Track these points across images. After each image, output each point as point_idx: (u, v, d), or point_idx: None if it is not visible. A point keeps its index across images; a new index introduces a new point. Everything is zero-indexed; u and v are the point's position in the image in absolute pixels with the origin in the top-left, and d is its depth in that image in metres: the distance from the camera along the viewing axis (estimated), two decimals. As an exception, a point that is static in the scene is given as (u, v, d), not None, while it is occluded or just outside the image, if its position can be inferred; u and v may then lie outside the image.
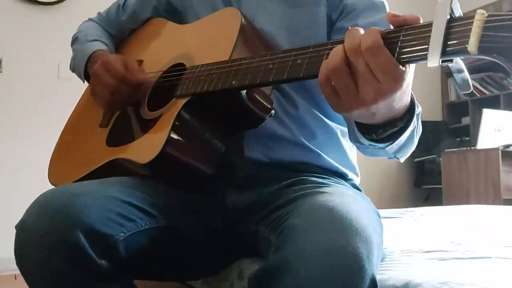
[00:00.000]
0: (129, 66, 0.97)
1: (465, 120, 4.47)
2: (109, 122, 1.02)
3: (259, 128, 0.88)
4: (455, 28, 0.56)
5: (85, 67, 1.11)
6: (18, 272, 0.73)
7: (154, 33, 1.14)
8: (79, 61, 1.13)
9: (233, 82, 0.79)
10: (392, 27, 0.62)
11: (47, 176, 1.05)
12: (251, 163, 0.92)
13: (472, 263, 0.85)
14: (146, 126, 0.90)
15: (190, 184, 0.90)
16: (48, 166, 1.08)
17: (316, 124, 0.97)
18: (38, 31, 3.02)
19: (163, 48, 1.08)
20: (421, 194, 4.47)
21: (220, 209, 0.92)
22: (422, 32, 0.59)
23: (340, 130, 1.01)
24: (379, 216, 0.85)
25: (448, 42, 0.56)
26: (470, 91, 0.62)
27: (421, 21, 0.61)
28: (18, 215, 0.75)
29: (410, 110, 0.70)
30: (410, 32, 0.60)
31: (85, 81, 1.13)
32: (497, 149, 3.19)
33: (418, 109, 0.78)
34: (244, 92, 0.83)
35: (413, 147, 0.85)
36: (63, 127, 1.15)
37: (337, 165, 0.98)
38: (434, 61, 0.56)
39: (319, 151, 0.95)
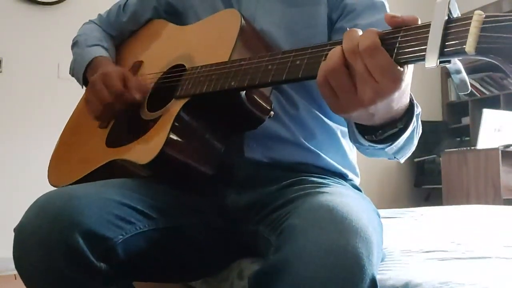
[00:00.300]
0: (128, 82, 0.96)
1: (465, 120, 4.48)
2: (109, 123, 1.02)
3: (259, 128, 0.88)
4: (453, 29, 0.56)
5: (84, 72, 1.11)
6: (18, 272, 0.73)
7: (154, 34, 1.14)
8: (78, 66, 1.13)
9: (232, 83, 0.79)
10: (390, 28, 0.63)
11: (47, 177, 1.05)
12: (251, 163, 0.92)
13: (472, 263, 0.85)
14: (146, 127, 0.90)
15: (190, 184, 0.90)
16: (47, 166, 1.08)
17: (316, 124, 0.97)
18: (38, 31, 3.02)
19: (163, 49, 1.08)
20: (421, 194, 4.47)
21: (220, 209, 0.92)
22: (420, 32, 0.59)
23: (340, 130, 1.01)
24: (379, 216, 0.85)
25: (446, 43, 0.56)
26: (468, 91, 0.62)
27: (420, 22, 0.61)
28: (18, 215, 0.75)
29: (409, 110, 0.70)
30: (408, 33, 0.60)
31: (84, 86, 1.13)
32: (497, 149, 3.20)
33: (418, 110, 0.78)
34: (243, 93, 0.83)
35: (413, 148, 0.85)
36: (63, 128, 1.15)
37: (337, 165, 0.98)
38: (432, 61, 0.56)
39: (319, 152, 0.95)
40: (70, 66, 1.18)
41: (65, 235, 0.69)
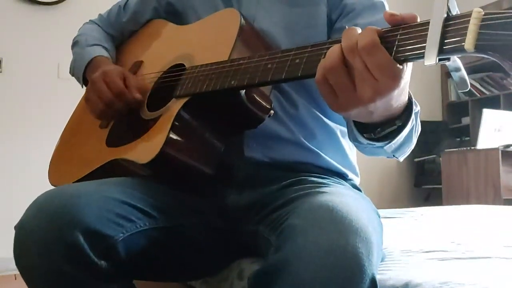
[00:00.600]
0: (129, 81, 0.97)
1: (465, 120, 4.48)
2: (109, 122, 1.02)
3: (259, 128, 0.88)
4: (452, 26, 0.56)
5: (84, 72, 1.11)
6: (18, 272, 0.73)
7: (154, 34, 1.14)
8: (78, 66, 1.13)
9: (232, 82, 0.79)
10: (390, 26, 0.63)
11: (47, 176, 1.05)
12: (251, 163, 0.92)
13: (472, 263, 0.85)
14: (146, 126, 0.90)
15: (190, 184, 0.90)
16: (48, 166, 1.08)
17: (316, 124, 0.97)
18: (38, 31, 3.02)
19: (163, 49, 1.08)
20: (421, 194, 4.47)
21: (220, 209, 0.92)
22: (419, 30, 0.59)
23: (340, 130, 1.01)
24: (379, 216, 0.85)
25: (445, 40, 0.56)
26: (467, 89, 0.62)
27: (419, 20, 0.61)
28: (18, 215, 0.75)
29: (408, 108, 0.70)
30: (407, 30, 0.60)
31: (84, 86, 1.13)
32: (497, 149, 3.19)
33: (417, 108, 0.78)
34: (243, 92, 0.83)
35: (411, 146, 0.85)
36: (63, 128, 1.15)
37: (337, 165, 0.98)
38: (431, 59, 0.56)
39: (319, 151, 0.95)
40: (70, 65, 1.18)
41: (65, 233, 0.69)
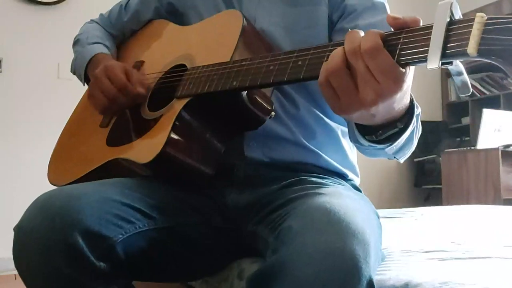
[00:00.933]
0: (131, 76, 0.96)
1: (465, 120, 4.48)
2: (110, 122, 1.02)
3: (260, 128, 0.88)
4: (455, 30, 0.56)
5: (85, 70, 1.11)
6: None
7: (156, 34, 1.14)
8: (79, 64, 1.13)
9: (234, 83, 0.79)
10: (392, 29, 0.63)
11: (47, 175, 1.05)
12: (251, 163, 0.93)
13: (472, 263, 0.85)
14: (147, 126, 0.90)
15: (190, 184, 0.91)
16: (48, 165, 1.08)
17: (316, 124, 0.97)
18: (38, 31, 3.02)
19: (165, 49, 1.08)
20: (421, 194, 4.47)
21: (220, 208, 0.92)
22: (422, 34, 0.59)
23: (341, 130, 1.01)
24: (378, 217, 0.85)
25: (448, 45, 0.56)
26: (469, 93, 0.62)
27: (421, 23, 0.61)
28: (18, 215, 0.75)
29: (409, 111, 0.70)
30: (410, 34, 0.60)
31: (85, 83, 1.13)
32: (497, 149, 3.19)
33: (418, 110, 0.78)
34: (244, 93, 0.83)
35: (412, 148, 0.85)
36: (63, 128, 1.15)
37: (337, 165, 0.98)
38: (434, 63, 0.56)
39: (319, 151, 0.96)
40: (71, 64, 1.18)
41: (64, 234, 0.69)
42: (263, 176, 0.92)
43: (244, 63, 0.80)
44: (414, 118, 0.71)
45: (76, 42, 1.18)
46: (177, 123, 0.84)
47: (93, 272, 0.71)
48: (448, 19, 0.56)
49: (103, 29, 1.20)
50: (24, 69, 2.97)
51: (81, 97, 1.18)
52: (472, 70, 4.11)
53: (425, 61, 0.57)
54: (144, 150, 0.86)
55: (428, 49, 0.57)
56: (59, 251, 0.68)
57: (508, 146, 3.21)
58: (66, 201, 0.72)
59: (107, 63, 0.99)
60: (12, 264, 0.72)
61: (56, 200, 0.72)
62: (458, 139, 4.45)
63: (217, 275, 0.96)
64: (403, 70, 0.60)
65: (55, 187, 0.83)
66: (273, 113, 0.87)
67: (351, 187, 0.96)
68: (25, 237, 0.71)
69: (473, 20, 0.54)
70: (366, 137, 0.74)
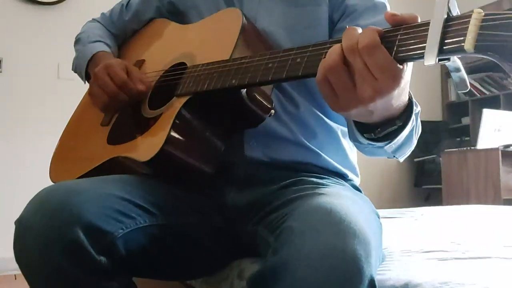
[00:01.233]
0: (131, 73, 0.97)
1: (465, 120, 4.48)
2: (111, 120, 1.02)
3: (259, 127, 0.88)
4: (452, 27, 0.56)
5: (86, 68, 1.11)
6: (18, 272, 0.73)
7: (156, 33, 1.14)
8: (81, 62, 1.13)
9: (233, 81, 0.79)
10: (390, 27, 0.63)
11: (48, 174, 1.06)
12: (251, 162, 0.93)
13: (472, 263, 0.85)
14: (147, 124, 0.90)
15: (190, 182, 0.91)
16: (49, 165, 1.08)
17: (316, 124, 0.97)
18: (38, 31, 3.02)
19: (165, 47, 1.08)
20: (421, 194, 4.47)
21: (219, 208, 0.92)
22: (419, 31, 0.59)
23: (341, 130, 1.01)
24: (379, 217, 0.85)
25: (445, 41, 0.56)
26: (467, 90, 0.63)
27: (419, 20, 0.61)
28: (18, 215, 0.75)
29: (408, 108, 0.70)
30: (408, 31, 0.60)
31: (86, 81, 1.14)
32: (497, 149, 3.19)
33: (417, 109, 0.78)
34: (244, 91, 0.83)
35: (412, 147, 0.85)
36: (63, 127, 1.16)
37: (337, 165, 0.98)
38: (431, 59, 0.56)
39: (319, 151, 0.95)
40: (73, 62, 1.18)
41: (65, 229, 0.69)
42: (263, 175, 0.92)
43: (243, 61, 0.80)
44: (413, 116, 0.71)
45: (77, 41, 1.18)
46: (177, 121, 0.84)
47: (94, 267, 0.71)
48: (446, 16, 0.57)
49: (104, 28, 1.20)
50: (24, 69, 2.97)
51: (81, 97, 1.18)
52: (472, 70, 4.11)
53: (423, 57, 0.57)
54: (144, 148, 0.86)
55: (425, 45, 0.57)
56: (59, 246, 0.68)
57: (508, 146, 3.21)
58: (67, 196, 0.72)
59: (108, 61, 0.99)
60: (12, 264, 0.72)
61: (57, 195, 0.73)
62: (458, 139, 4.45)
63: (217, 274, 0.96)
64: (401, 66, 0.60)
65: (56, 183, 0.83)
66: (272, 111, 0.87)
67: (351, 187, 0.96)
68: (26, 232, 0.71)
69: (470, 16, 0.55)
70: (365, 135, 0.74)
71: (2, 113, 2.90)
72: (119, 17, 1.20)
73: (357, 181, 1.04)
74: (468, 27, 0.54)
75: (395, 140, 0.73)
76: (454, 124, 4.59)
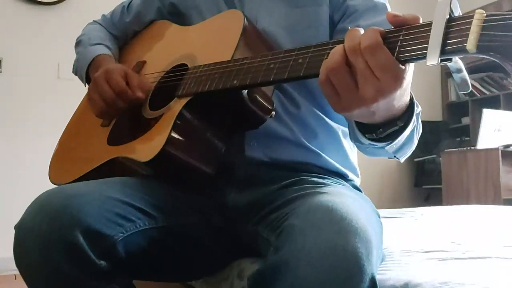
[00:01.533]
0: (130, 80, 0.96)
1: (465, 120, 4.48)
2: (111, 121, 1.02)
3: (260, 127, 0.88)
4: (454, 27, 0.56)
5: (87, 71, 1.11)
6: (18, 272, 0.73)
7: (157, 35, 1.14)
8: (81, 65, 1.13)
9: (235, 82, 0.79)
10: (392, 27, 0.63)
11: (48, 174, 1.06)
12: (252, 163, 0.93)
13: (472, 263, 0.85)
14: (148, 125, 0.90)
15: (190, 183, 0.91)
16: (48, 165, 1.08)
17: (317, 124, 0.97)
18: (38, 31, 3.02)
19: (166, 49, 1.08)
20: (421, 194, 4.47)
21: (220, 208, 0.92)
22: (421, 31, 0.59)
23: (342, 130, 1.01)
24: (379, 216, 0.85)
25: (447, 41, 0.56)
26: (468, 91, 0.63)
27: (421, 21, 0.61)
28: (18, 215, 0.75)
29: (409, 109, 0.70)
30: (410, 31, 0.60)
31: (87, 84, 1.13)
32: (497, 149, 3.20)
33: (418, 109, 0.78)
34: (245, 92, 0.83)
35: (413, 147, 0.85)
36: (63, 127, 1.16)
37: (337, 165, 0.98)
38: (433, 60, 0.57)
39: (319, 151, 0.95)
40: (73, 65, 1.18)
41: (65, 232, 0.69)
42: (264, 176, 0.92)
43: (245, 61, 0.80)
44: (414, 117, 0.71)
45: (78, 43, 1.18)
46: (178, 122, 0.84)
47: (94, 271, 0.71)
48: (448, 16, 0.57)
49: (105, 30, 1.20)
50: (24, 69, 2.98)
51: (81, 97, 1.18)
52: (472, 70, 4.11)
53: (425, 57, 0.58)
54: (144, 149, 0.86)
55: (427, 46, 0.57)
56: (60, 250, 0.68)
57: (508, 146, 3.21)
58: (66, 200, 0.72)
59: (108, 66, 0.99)
60: (12, 264, 0.72)
61: (56, 198, 0.73)
62: (458, 139, 4.46)
63: (217, 275, 0.96)
64: (403, 67, 0.61)
65: (56, 187, 0.83)
66: (273, 112, 0.87)
67: (351, 187, 0.96)
68: (26, 236, 0.71)
69: (472, 16, 0.55)
70: (366, 135, 0.74)
71: (2, 113, 2.91)
72: (120, 19, 1.20)
73: (357, 181, 1.04)
74: (470, 27, 0.54)
75: (396, 141, 0.73)
76: (454, 124, 4.59)
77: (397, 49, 0.60)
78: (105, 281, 0.73)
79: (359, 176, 1.05)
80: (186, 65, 0.95)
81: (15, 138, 2.91)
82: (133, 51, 1.17)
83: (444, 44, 0.56)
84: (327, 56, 0.64)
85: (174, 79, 0.94)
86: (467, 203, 2.74)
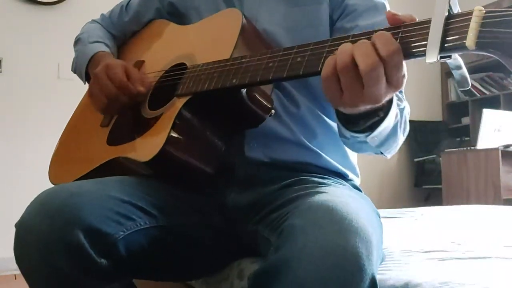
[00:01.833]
0: (131, 75, 0.96)
1: (465, 120, 4.48)
2: (110, 121, 1.02)
3: (260, 127, 0.88)
4: (454, 24, 0.56)
5: (86, 68, 1.11)
6: (18, 272, 0.73)
7: (156, 34, 1.14)
8: (80, 62, 1.13)
9: (234, 81, 0.79)
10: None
11: (48, 175, 1.05)
12: (252, 163, 0.93)
13: (472, 263, 0.85)
14: (147, 125, 0.90)
15: (190, 183, 0.91)
16: (48, 165, 1.08)
17: (317, 124, 0.97)
18: (38, 31, 3.02)
19: (165, 48, 1.08)
20: (421, 194, 4.47)
21: (220, 208, 0.92)
22: (421, 28, 0.59)
23: (341, 130, 1.00)
24: (379, 216, 0.85)
25: (447, 38, 0.56)
26: (468, 87, 0.63)
27: (417, 20, 0.62)
28: (18, 215, 0.75)
29: (390, 100, 0.70)
30: (409, 29, 0.61)
31: (86, 82, 1.13)
32: (497, 149, 3.20)
33: (402, 104, 0.79)
34: (244, 91, 0.83)
35: (398, 142, 0.85)
36: (63, 127, 1.15)
37: (337, 165, 0.98)
38: (432, 57, 0.57)
39: (319, 151, 0.95)
40: (72, 63, 1.18)
41: (66, 231, 0.69)
42: (263, 176, 0.92)
43: (243, 60, 0.80)
44: (397, 111, 0.72)
45: (77, 41, 1.18)
46: (177, 122, 0.84)
47: (94, 269, 0.71)
48: (447, 13, 0.57)
49: (104, 29, 1.20)
50: (24, 69, 2.98)
51: (81, 97, 1.18)
52: (472, 70, 4.11)
53: (424, 55, 0.58)
54: (144, 148, 0.86)
55: (427, 43, 0.57)
56: (60, 249, 0.68)
57: (508, 146, 3.21)
58: (67, 198, 0.72)
59: (108, 61, 0.99)
60: (12, 264, 0.72)
61: (57, 197, 0.73)
62: (458, 139, 4.46)
63: (217, 275, 0.96)
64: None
65: (56, 185, 0.83)
66: (273, 111, 0.87)
67: (351, 187, 0.96)
68: (26, 235, 0.71)
69: (471, 13, 0.55)
70: (348, 128, 0.74)
71: (2, 113, 2.91)
72: (119, 18, 1.20)
73: (357, 181, 1.04)
74: (469, 24, 0.55)
75: (377, 132, 0.72)
76: (454, 124, 4.59)
77: None
78: (106, 280, 0.74)
79: (359, 176, 1.05)
80: (185, 64, 0.95)
81: (15, 138, 2.91)
82: (132, 51, 1.17)
83: (443, 41, 0.56)
84: (327, 54, 0.65)
85: (173, 79, 0.93)
86: (467, 203, 2.74)
